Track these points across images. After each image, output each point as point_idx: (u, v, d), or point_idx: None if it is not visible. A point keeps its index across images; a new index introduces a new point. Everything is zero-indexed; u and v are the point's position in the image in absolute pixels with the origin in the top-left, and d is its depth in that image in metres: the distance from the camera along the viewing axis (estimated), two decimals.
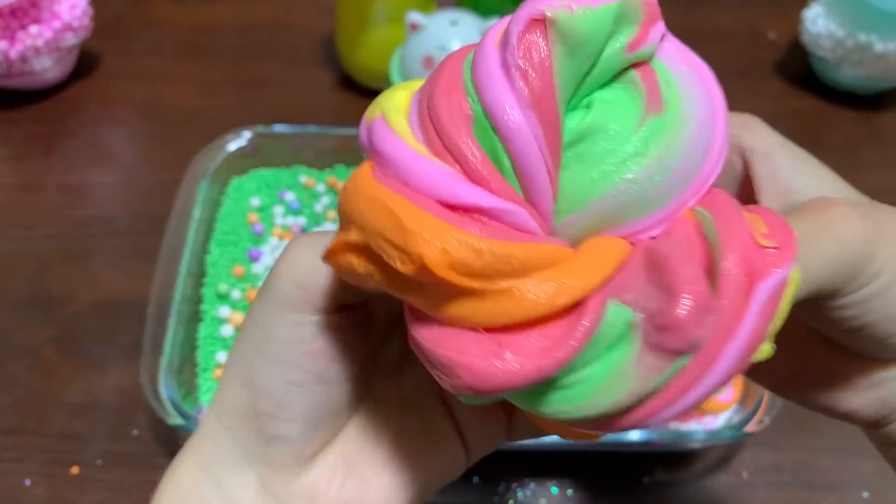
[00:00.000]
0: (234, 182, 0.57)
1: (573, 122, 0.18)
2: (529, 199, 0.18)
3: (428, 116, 0.18)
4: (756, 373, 0.26)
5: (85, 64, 0.69)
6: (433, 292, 0.17)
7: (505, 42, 0.17)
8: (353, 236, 0.18)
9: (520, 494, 0.45)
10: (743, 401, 0.45)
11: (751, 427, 0.42)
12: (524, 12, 0.17)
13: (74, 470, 0.45)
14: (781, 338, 0.25)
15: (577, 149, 0.18)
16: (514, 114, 0.17)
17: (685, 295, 0.16)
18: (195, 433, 0.23)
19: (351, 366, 0.22)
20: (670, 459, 0.46)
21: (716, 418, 0.45)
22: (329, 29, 0.71)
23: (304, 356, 0.21)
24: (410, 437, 0.24)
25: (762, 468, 0.46)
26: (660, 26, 0.19)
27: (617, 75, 0.18)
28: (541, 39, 0.17)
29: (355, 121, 0.27)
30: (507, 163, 0.18)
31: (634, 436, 0.41)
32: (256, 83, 0.69)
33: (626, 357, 0.17)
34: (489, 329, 0.17)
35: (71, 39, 0.63)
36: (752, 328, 0.16)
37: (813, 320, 0.21)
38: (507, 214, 0.17)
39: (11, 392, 0.48)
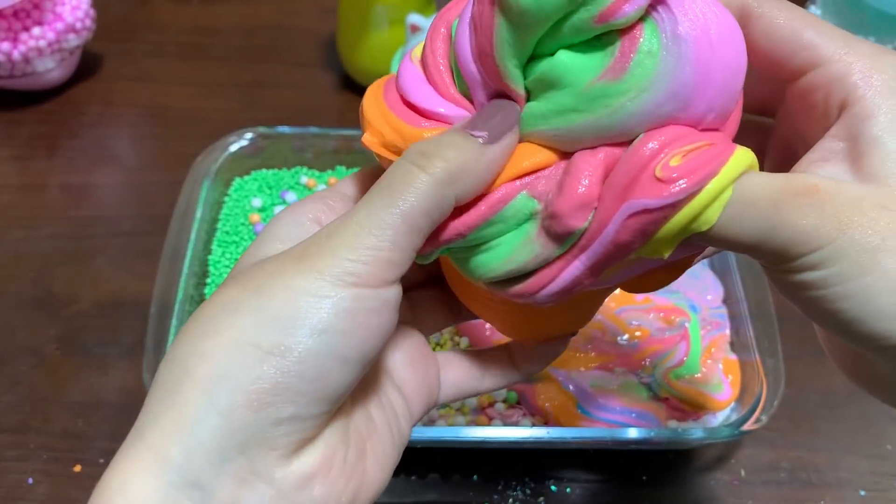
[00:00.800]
0: (236, 182, 0.57)
1: (538, 69, 0.22)
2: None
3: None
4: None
5: (88, 65, 0.69)
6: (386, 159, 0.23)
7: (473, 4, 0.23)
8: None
9: (519, 492, 0.45)
10: (741, 399, 0.45)
11: (748, 425, 0.42)
12: None
13: (77, 468, 0.45)
14: None
15: (536, 91, 0.22)
16: (468, 64, 0.22)
17: (570, 193, 0.21)
18: (153, 424, 0.19)
19: (382, 342, 0.21)
20: (668, 457, 0.46)
21: (714, 417, 0.45)
22: (330, 31, 0.72)
23: (361, 329, 0.20)
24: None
25: (760, 466, 0.46)
26: None
27: (601, 37, 0.21)
28: (488, 8, 0.21)
29: (356, 122, 0.28)
30: (461, 83, 0.23)
31: (633, 434, 0.42)
32: (258, 84, 0.69)
33: (531, 232, 0.22)
34: None
35: (73, 41, 0.64)
36: (616, 230, 0.21)
37: (782, 293, 0.22)
38: (446, 116, 0.23)
39: (14, 391, 0.48)
